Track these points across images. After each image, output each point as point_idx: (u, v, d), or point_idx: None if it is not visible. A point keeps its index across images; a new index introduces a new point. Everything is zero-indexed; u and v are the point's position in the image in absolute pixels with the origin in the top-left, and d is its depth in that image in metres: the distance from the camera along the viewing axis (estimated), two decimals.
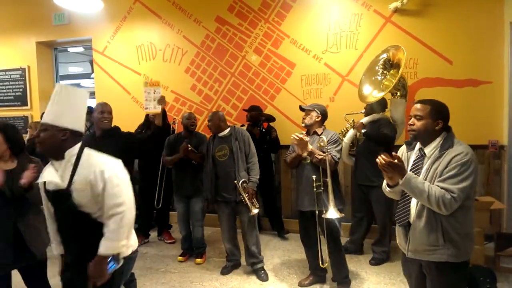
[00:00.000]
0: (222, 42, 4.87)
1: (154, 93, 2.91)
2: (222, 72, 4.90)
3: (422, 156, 1.91)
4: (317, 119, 3.02)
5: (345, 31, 4.38)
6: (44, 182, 1.82)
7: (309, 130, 3.07)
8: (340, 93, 4.40)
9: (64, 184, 1.75)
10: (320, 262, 3.04)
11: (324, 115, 3.07)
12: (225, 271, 3.52)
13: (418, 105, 1.92)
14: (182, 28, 5.02)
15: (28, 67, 5.81)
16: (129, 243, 1.85)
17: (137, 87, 5.26)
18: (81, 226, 1.79)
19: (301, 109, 3.13)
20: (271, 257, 3.79)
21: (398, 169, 1.80)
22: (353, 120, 3.73)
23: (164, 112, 4.51)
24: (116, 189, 1.74)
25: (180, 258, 3.85)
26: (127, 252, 1.83)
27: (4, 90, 5.98)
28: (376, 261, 3.64)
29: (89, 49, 5.63)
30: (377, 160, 1.84)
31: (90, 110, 5.69)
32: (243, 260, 3.63)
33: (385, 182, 2.01)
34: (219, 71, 4.92)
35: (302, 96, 4.58)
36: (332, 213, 2.70)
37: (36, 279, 2.39)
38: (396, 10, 4.16)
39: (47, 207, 1.91)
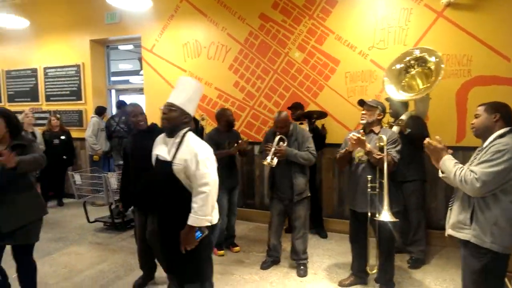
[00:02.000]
0: (266, 39, 4.88)
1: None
2: (265, 69, 4.93)
3: (482, 148, 2.05)
4: (378, 117, 2.90)
5: (393, 26, 4.24)
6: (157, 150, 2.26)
7: (366, 128, 2.95)
8: None
9: (169, 158, 2.14)
10: (368, 268, 2.98)
11: (385, 113, 2.97)
12: (264, 266, 3.57)
13: (478, 107, 2.10)
14: (226, 26, 5.10)
15: (83, 63, 6.18)
16: (214, 217, 2.18)
17: None
18: (175, 194, 2.15)
19: (361, 103, 2.96)
20: (310, 255, 3.77)
21: (436, 151, 2.03)
22: (388, 121, 3.65)
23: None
24: (204, 170, 2.05)
25: (221, 252, 3.91)
26: (213, 222, 2.17)
27: (61, 85, 6.41)
28: (414, 262, 3.53)
29: (139, 47, 5.88)
30: (424, 142, 2.08)
31: (121, 104, 5.97)
32: (282, 258, 3.67)
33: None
34: (261, 68, 4.95)
35: (346, 94, 4.50)
36: (386, 216, 2.58)
37: (23, 254, 2.63)
38: (449, 4, 3.95)
39: None
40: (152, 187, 2.34)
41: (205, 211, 2.05)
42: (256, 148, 4.99)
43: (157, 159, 2.26)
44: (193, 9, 5.27)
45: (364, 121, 2.91)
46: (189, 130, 2.21)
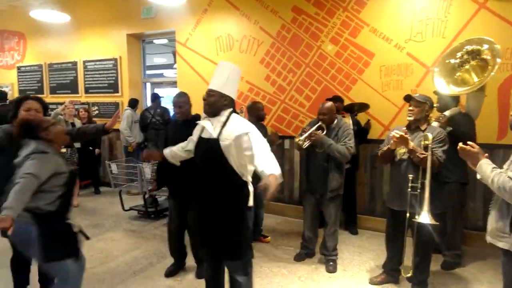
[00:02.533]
0: (298, 32, 4.84)
1: None
2: (297, 62, 4.89)
3: None
4: (426, 113, 2.77)
5: (431, 18, 4.07)
6: (201, 132, 2.33)
7: (411, 124, 2.81)
8: (424, 85, 4.10)
9: (215, 135, 2.21)
10: (402, 271, 2.90)
11: (432, 108, 2.84)
12: (298, 258, 3.59)
13: None
14: (259, 19, 5.09)
15: (120, 57, 6.38)
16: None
17: None
18: (221, 171, 2.20)
19: (408, 99, 2.83)
20: (340, 251, 3.73)
21: (471, 155, 1.95)
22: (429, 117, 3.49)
23: None
24: (261, 138, 2.20)
25: None
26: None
27: (100, 78, 6.66)
28: (448, 265, 3.41)
29: (173, 41, 5.99)
30: (458, 148, 2.00)
31: (155, 97, 6.11)
32: (317, 250, 3.67)
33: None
34: (293, 61, 4.91)
35: (380, 88, 4.38)
36: (425, 218, 2.49)
37: None
38: None
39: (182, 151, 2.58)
40: (195, 166, 2.38)
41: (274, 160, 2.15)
42: (286, 143, 4.98)
43: (200, 138, 2.32)
44: (226, 3, 5.29)
45: (411, 118, 2.77)
46: (233, 111, 2.28)
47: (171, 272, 3.30)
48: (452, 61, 3.40)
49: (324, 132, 3.27)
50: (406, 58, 4.23)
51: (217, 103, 2.25)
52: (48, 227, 2.09)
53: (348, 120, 3.99)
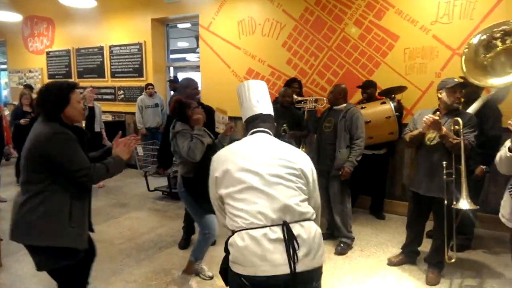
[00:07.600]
0: (321, 14, 4.79)
1: (222, 118, 3.39)
2: (319, 45, 4.86)
3: None
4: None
5: None
6: None
7: (442, 109, 2.74)
8: (449, 68, 4.02)
9: None
10: (446, 257, 2.79)
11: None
12: None
13: None
14: (282, 2, 5.06)
15: (144, 42, 6.50)
16: None
17: (236, 61, 5.51)
18: None
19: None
20: (358, 232, 3.78)
21: None
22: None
23: None
24: None
25: None
26: None
27: (125, 63, 6.82)
28: (459, 247, 3.33)
29: (196, 25, 6.05)
30: (509, 122, 1.97)
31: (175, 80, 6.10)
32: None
33: (507, 147, 2.03)
34: (315, 44, 4.88)
35: (403, 71, 4.32)
36: (465, 204, 2.44)
37: None
38: None
39: None
40: None
41: None
42: None
43: None
44: None
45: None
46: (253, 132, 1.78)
47: (185, 245, 3.57)
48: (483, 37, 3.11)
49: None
50: (432, 40, 4.13)
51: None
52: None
53: (389, 105, 3.89)
